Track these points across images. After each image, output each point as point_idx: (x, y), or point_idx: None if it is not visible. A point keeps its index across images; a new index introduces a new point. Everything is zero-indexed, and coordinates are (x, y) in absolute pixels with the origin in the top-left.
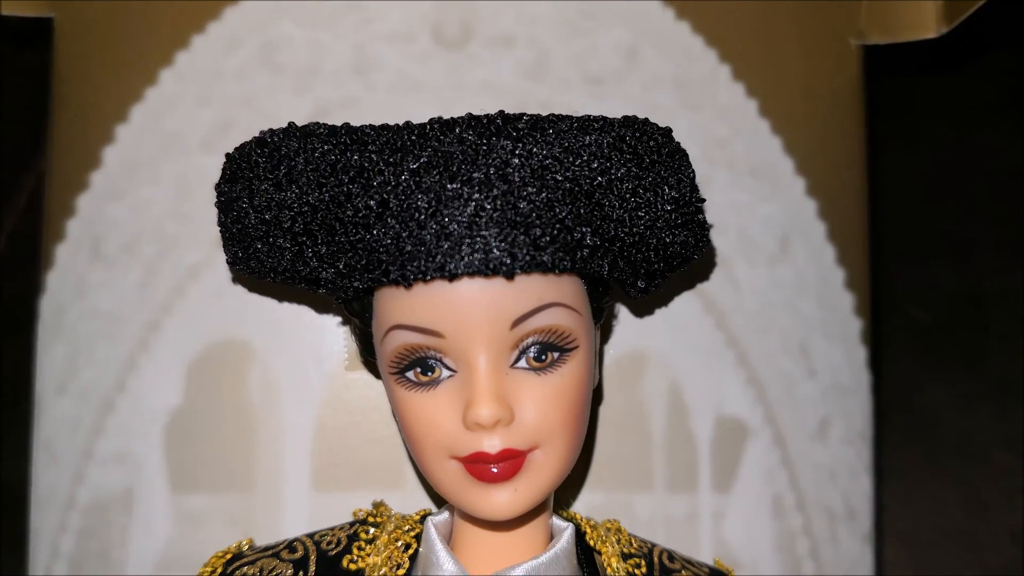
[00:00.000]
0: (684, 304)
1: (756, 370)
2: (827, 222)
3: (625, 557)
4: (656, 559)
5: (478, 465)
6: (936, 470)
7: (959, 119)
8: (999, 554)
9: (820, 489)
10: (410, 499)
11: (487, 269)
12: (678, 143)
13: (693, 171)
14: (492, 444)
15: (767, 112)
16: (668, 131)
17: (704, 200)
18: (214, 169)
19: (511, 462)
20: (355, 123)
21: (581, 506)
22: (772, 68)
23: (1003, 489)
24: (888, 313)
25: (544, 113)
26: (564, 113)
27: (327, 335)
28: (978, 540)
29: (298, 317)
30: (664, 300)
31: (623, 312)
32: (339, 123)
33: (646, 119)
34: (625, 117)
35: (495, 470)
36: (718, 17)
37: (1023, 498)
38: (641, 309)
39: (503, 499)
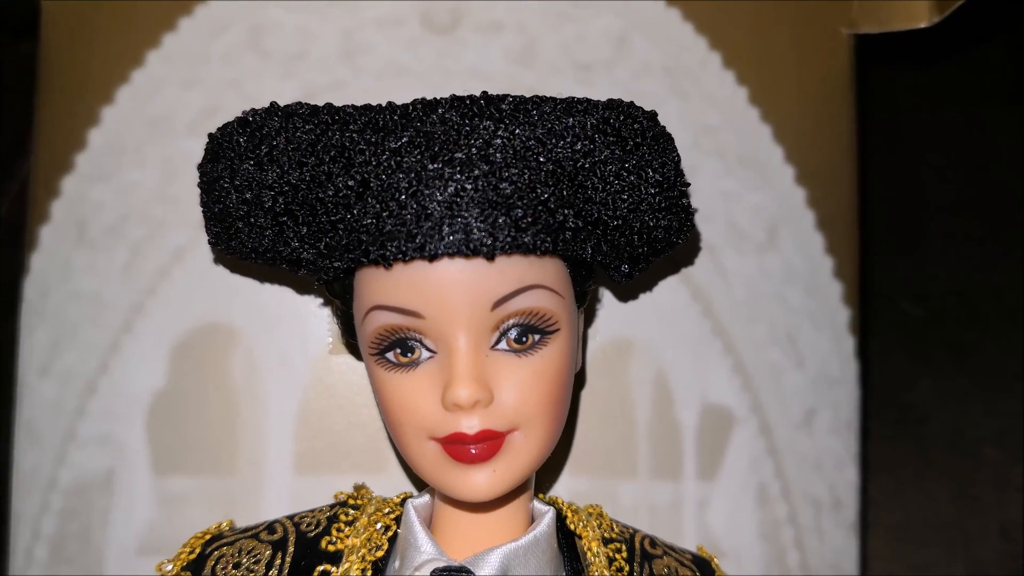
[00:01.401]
0: (671, 292)
1: (743, 359)
2: (816, 211)
3: (606, 542)
4: (637, 544)
5: (456, 446)
6: (926, 464)
7: (950, 110)
8: (988, 548)
9: (806, 479)
10: (392, 483)
11: (467, 250)
12: (663, 127)
13: (678, 155)
14: (471, 425)
15: (757, 100)
16: (653, 114)
17: (689, 184)
18: (200, 152)
19: (489, 443)
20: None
21: (565, 492)
22: (763, 56)
23: (993, 484)
24: (879, 308)
25: (537, 95)
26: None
27: (311, 319)
28: (967, 534)
29: (282, 301)
30: (651, 287)
31: (610, 299)
32: None
33: (631, 102)
34: (610, 100)
35: (474, 451)
36: (709, 4)
37: (1013, 493)
38: (628, 296)
39: (481, 480)
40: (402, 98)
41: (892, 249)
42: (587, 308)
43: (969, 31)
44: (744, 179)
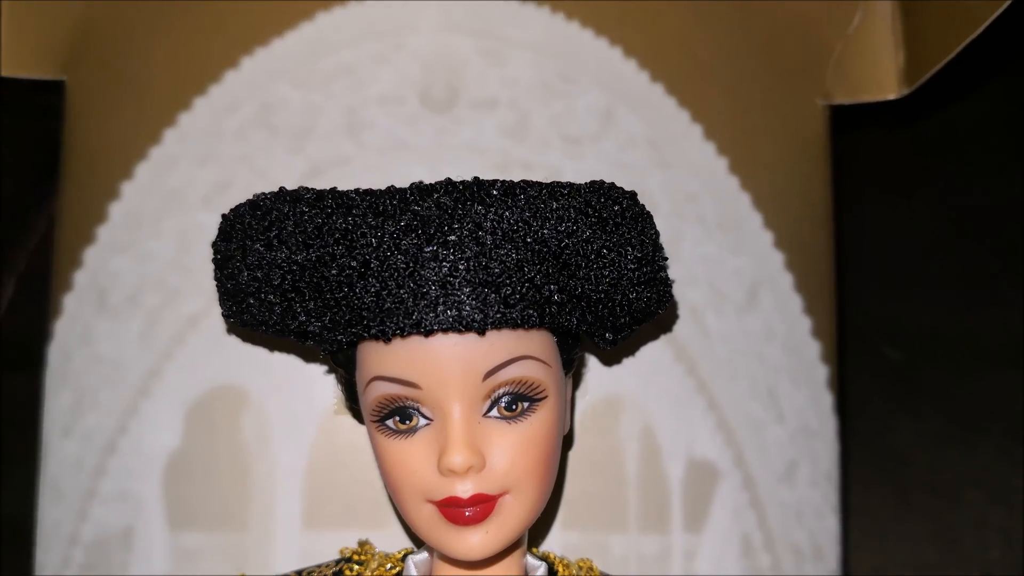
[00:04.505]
0: (656, 352)
1: (725, 415)
2: (794, 273)
3: None
4: None
5: (451, 509)
6: (906, 507)
7: (924, 168)
8: None
9: (787, 529)
10: (396, 538)
11: (460, 325)
12: (642, 206)
13: (656, 232)
14: (465, 489)
15: (737, 169)
16: (633, 195)
17: (667, 259)
18: (213, 225)
19: (483, 506)
20: (347, 181)
21: (557, 545)
22: (742, 128)
23: (973, 526)
24: (859, 353)
25: (525, 172)
26: (543, 172)
27: (317, 381)
28: None
29: (290, 364)
30: (637, 348)
31: (602, 357)
32: (333, 181)
33: (612, 184)
34: (592, 182)
35: (468, 513)
36: (690, 79)
37: (993, 534)
38: (616, 356)
39: (475, 541)
40: (404, 172)
41: (870, 294)
42: (575, 373)
43: (942, 93)
44: (724, 244)
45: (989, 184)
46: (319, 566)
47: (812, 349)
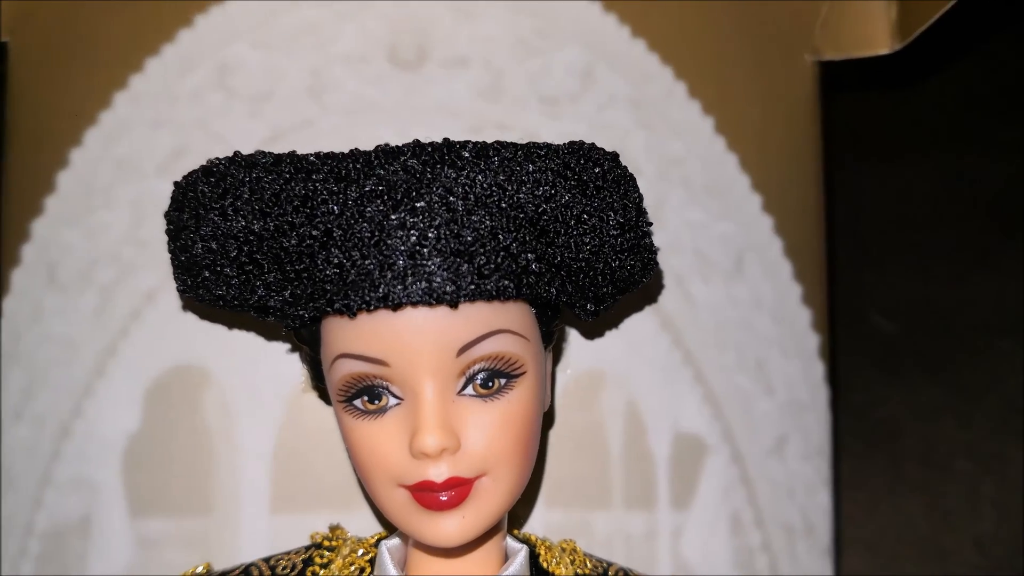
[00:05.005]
0: (640, 322)
1: (713, 387)
2: (783, 238)
3: None
4: None
5: (425, 493)
6: (898, 480)
7: (915, 131)
8: (963, 563)
9: (778, 505)
10: (368, 521)
11: (430, 299)
12: (625, 168)
13: (640, 195)
14: (439, 472)
15: (723, 130)
16: (615, 156)
17: (651, 224)
18: (168, 194)
19: (458, 490)
20: (310, 145)
21: (539, 524)
22: (728, 85)
23: (966, 498)
24: (849, 324)
25: (500, 134)
26: (519, 134)
27: (283, 359)
28: (942, 549)
29: (254, 341)
30: (620, 318)
31: (583, 330)
32: (295, 145)
33: (592, 145)
34: (571, 143)
35: (443, 498)
36: (674, 35)
37: (986, 506)
38: (597, 328)
39: (451, 527)
40: (371, 135)
41: (862, 264)
42: (554, 346)
43: (933, 53)
44: (711, 208)
45: (986, 149)
46: (288, 553)
47: (802, 317)
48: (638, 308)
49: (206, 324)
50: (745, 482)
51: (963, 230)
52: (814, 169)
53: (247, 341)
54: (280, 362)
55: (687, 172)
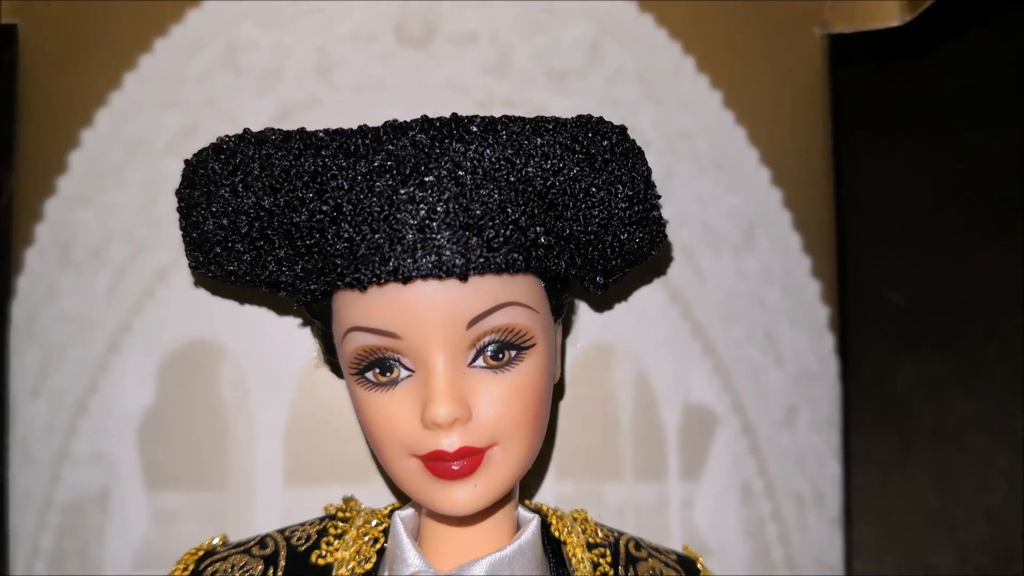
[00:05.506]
0: (650, 295)
1: (722, 359)
2: (792, 212)
3: (590, 547)
4: (622, 548)
5: (437, 463)
6: (909, 452)
7: (926, 105)
8: (974, 535)
9: (789, 475)
10: (381, 493)
11: (440, 271)
12: (633, 141)
13: (648, 168)
14: (450, 442)
15: (731, 103)
16: (623, 129)
17: (659, 197)
18: (179, 173)
19: (470, 460)
20: (318, 123)
21: (551, 496)
22: (736, 59)
23: (977, 470)
24: (860, 299)
25: (508, 110)
26: (527, 109)
27: (296, 334)
28: (953, 521)
29: (267, 316)
30: (629, 292)
31: (592, 303)
32: (304, 123)
33: (600, 118)
34: (579, 117)
35: (455, 467)
36: (681, 10)
37: (997, 478)
38: (607, 301)
39: (463, 495)
40: (379, 112)
41: (872, 239)
42: (564, 319)
43: (944, 27)
44: (720, 182)
45: (998, 123)
46: (302, 524)
47: (812, 289)
48: (647, 281)
49: (218, 300)
50: (755, 452)
51: (973, 205)
52: (823, 142)
53: (259, 316)
54: (292, 337)
55: (696, 146)
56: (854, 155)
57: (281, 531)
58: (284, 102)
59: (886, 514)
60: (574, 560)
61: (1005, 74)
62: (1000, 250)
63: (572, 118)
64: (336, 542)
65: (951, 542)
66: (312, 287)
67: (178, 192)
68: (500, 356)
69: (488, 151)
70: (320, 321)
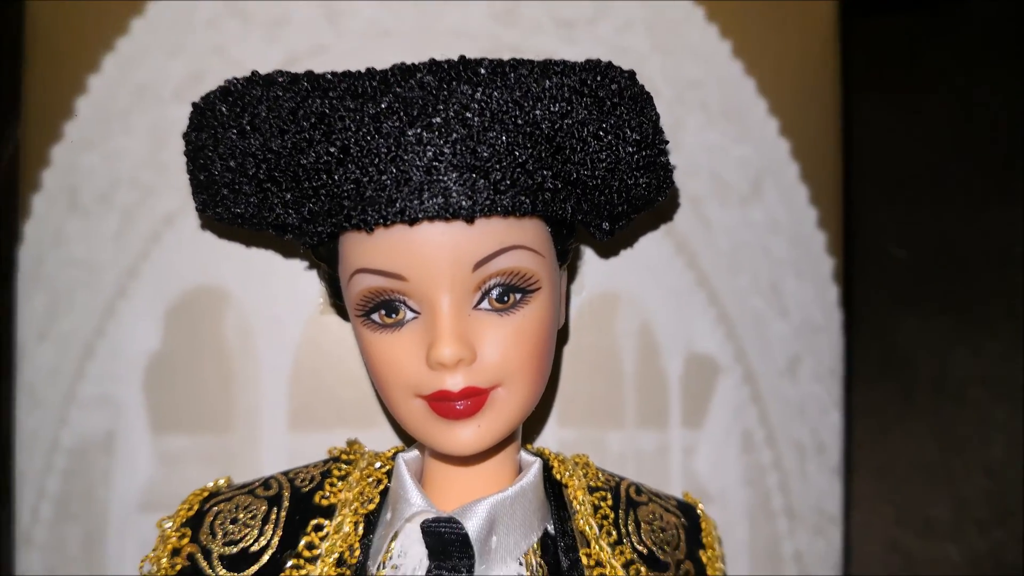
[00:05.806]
0: (655, 244)
1: (726, 309)
2: (800, 162)
3: (591, 490)
4: (623, 492)
5: (442, 403)
6: (911, 406)
7: (936, 61)
8: (973, 488)
9: (790, 424)
10: (384, 437)
11: (446, 213)
12: (641, 86)
13: (656, 113)
14: (455, 382)
15: (740, 53)
16: (631, 74)
17: (667, 142)
18: (186, 119)
19: (474, 400)
20: (326, 70)
21: (553, 442)
22: (747, 10)
23: (977, 424)
24: (865, 253)
25: (515, 58)
26: (534, 56)
27: (302, 279)
28: (952, 474)
29: (273, 261)
30: (635, 240)
31: (598, 250)
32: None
33: (609, 62)
34: (588, 60)
35: (459, 407)
36: None
37: (996, 433)
38: (613, 250)
39: (467, 435)
40: (385, 60)
41: (878, 194)
42: (570, 265)
43: None
44: (728, 132)
45: (1009, 78)
46: (306, 467)
47: (818, 240)
48: (653, 228)
49: (225, 244)
50: (757, 401)
51: (981, 161)
52: (832, 94)
53: (265, 261)
54: (298, 281)
55: (704, 96)
56: (862, 107)
57: (285, 473)
58: (291, 49)
59: (885, 466)
60: (575, 502)
61: (1015, 31)
62: (1006, 207)
63: (581, 62)
64: (340, 483)
65: (949, 495)
66: (319, 229)
67: (185, 135)
68: (505, 299)
69: (496, 93)
70: (326, 264)
